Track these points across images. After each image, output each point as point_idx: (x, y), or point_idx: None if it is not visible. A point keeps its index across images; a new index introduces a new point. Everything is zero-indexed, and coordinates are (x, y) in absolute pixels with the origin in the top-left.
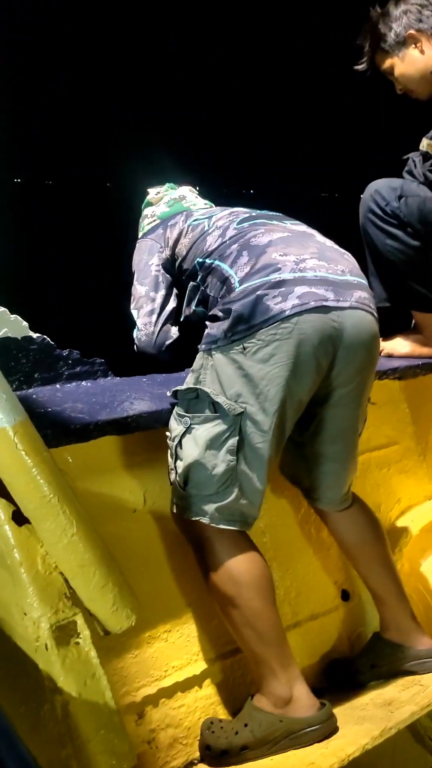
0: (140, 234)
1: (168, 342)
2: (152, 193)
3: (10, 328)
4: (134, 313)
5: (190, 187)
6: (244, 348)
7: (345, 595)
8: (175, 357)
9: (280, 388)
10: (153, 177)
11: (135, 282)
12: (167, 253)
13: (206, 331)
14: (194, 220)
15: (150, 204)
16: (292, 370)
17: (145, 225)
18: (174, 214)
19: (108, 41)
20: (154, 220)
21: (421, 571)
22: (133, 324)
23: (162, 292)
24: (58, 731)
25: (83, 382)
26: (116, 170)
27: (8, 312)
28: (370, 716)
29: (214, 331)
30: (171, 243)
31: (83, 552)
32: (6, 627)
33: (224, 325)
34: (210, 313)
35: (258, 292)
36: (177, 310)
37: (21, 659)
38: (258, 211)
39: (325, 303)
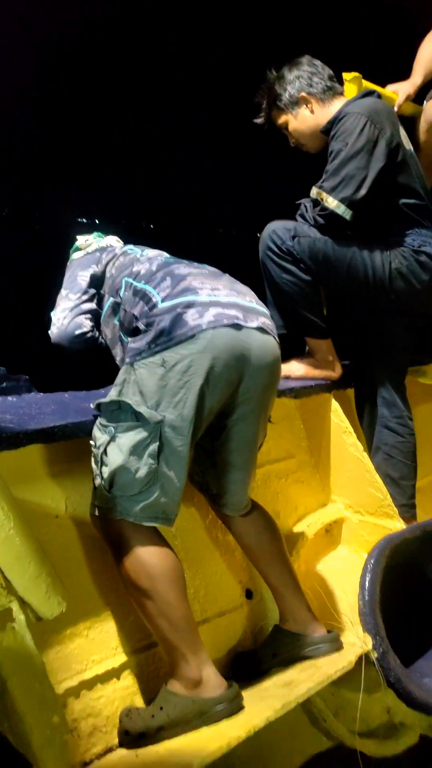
0: None
1: (78, 332)
2: (81, 240)
3: None
4: (52, 313)
5: (117, 237)
6: (164, 361)
7: (248, 594)
8: (87, 348)
9: (196, 397)
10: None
11: (61, 290)
12: (98, 269)
13: (129, 345)
14: (129, 249)
15: (78, 249)
16: (206, 380)
17: None
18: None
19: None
20: None
21: (316, 571)
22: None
23: (80, 294)
24: None
25: (9, 397)
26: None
27: None
28: (272, 695)
29: (137, 345)
30: (104, 262)
31: (19, 546)
32: None
33: (147, 337)
34: (133, 327)
35: (178, 310)
36: (95, 312)
37: None
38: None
39: (236, 321)
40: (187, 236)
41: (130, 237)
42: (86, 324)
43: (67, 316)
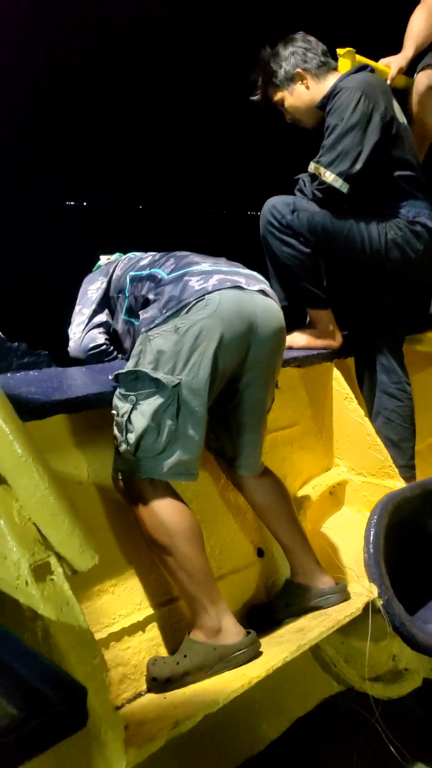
0: None
1: (93, 344)
2: (104, 259)
3: None
4: (69, 329)
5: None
6: (177, 327)
7: (260, 552)
8: (101, 361)
9: (210, 359)
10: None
11: (75, 306)
12: (104, 279)
13: (141, 317)
14: (132, 254)
15: (100, 267)
16: (219, 343)
17: None
18: None
19: None
20: None
21: (322, 530)
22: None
23: (92, 308)
24: (40, 651)
25: (31, 371)
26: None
27: None
28: (287, 640)
29: (149, 314)
30: (110, 271)
31: (53, 504)
32: None
33: (158, 304)
34: (143, 301)
35: (185, 278)
36: (107, 324)
37: (0, 600)
38: None
39: (239, 284)
40: (180, 218)
41: (123, 218)
42: (99, 338)
43: (80, 331)
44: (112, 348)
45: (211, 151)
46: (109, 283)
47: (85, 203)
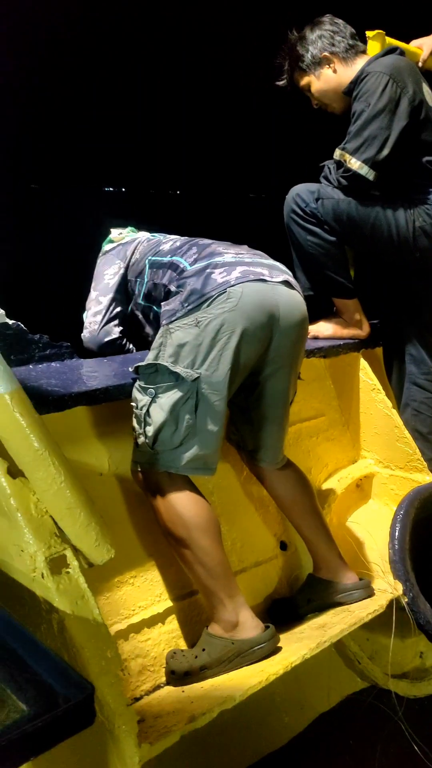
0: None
1: (108, 339)
2: (114, 233)
3: None
4: (84, 315)
5: (149, 234)
6: (198, 321)
7: (283, 546)
8: (116, 353)
9: (231, 353)
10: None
11: (91, 290)
12: (122, 264)
13: (163, 309)
14: (150, 236)
15: (111, 242)
16: (241, 337)
17: None
18: None
19: None
20: None
21: (347, 524)
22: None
23: (110, 296)
24: (56, 644)
25: (53, 363)
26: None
27: None
28: (308, 636)
29: (170, 306)
30: (127, 255)
31: (70, 497)
32: (3, 566)
33: (180, 297)
34: (165, 292)
35: (207, 270)
36: (123, 315)
37: (17, 591)
38: None
39: (262, 277)
40: (215, 202)
41: (155, 205)
42: (115, 331)
43: (96, 322)
44: (125, 341)
45: (236, 135)
46: (126, 268)
47: (123, 189)
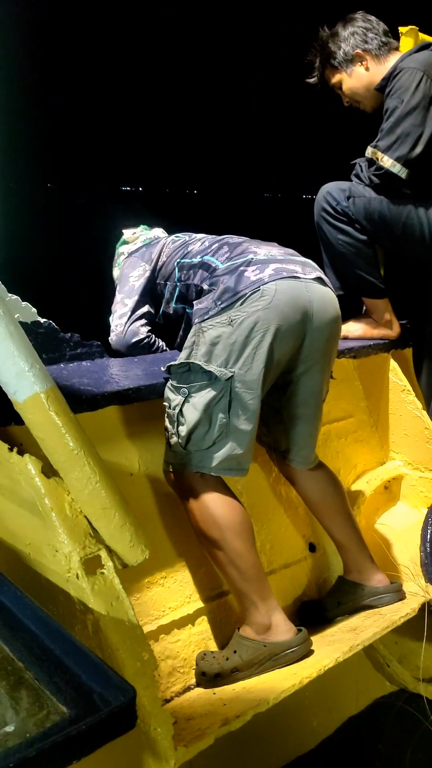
0: (116, 268)
1: (135, 339)
2: (128, 233)
3: (21, 314)
4: (110, 318)
5: (162, 229)
6: (231, 320)
7: (312, 547)
8: (145, 353)
9: (264, 351)
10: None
11: (116, 293)
12: (147, 267)
13: (195, 308)
14: (175, 236)
15: (126, 243)
16: (275, 336)
17: (120, 261)
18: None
19: None
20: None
21: (376, 526)
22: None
23: (135, 298)
24: (90, 644)
25: (83, 362)
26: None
27: (20, 299)
28: (339, 639)
29: (203, 305)
30: (153, 257)
31: (105, 497)
32: (36, 566)
33: (213, 295)
34: (197, 291)
35: (240, 268)
36: (150, 316)
37: (51, 591)
38: None
39: (296, 274)
40: (232, 201)
41: (170, 204)
42: (142, 331)
43: (122, 324)
44: (154, 339)
45: (266, 133)
46: (153, 270)
47: (140, 188)
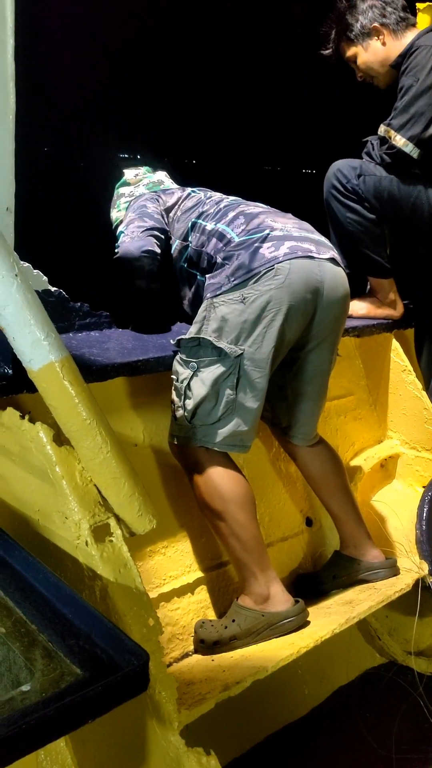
0: (116, 210)
1: (147, 248)
2: (129, 174)
3: (33, 282)
4: (122, 228)
5: (165, 173)
6: (244, 297)
7: (309, 522)
8: (149, 272)
9: (275, 331)
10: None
11: (128, 216)
12: (162, 210)
13: (208, 282)
14: (191, 191)
15: (127, 184)
16: (286, 315)
17: (121, 203)
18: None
19: None
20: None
21: (372, 503)
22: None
23: (154, 223)
24: (98, 610)
25: (92, 332)
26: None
27: (32, 267)
28: (335, 611)
29: (216, 280)
30: (168, 205)
31: (115, 467)
32: (45, 532)
33: (227, 270)
34: (211, 263)
35: (255, 244)
36: (164, 244)
37: (59, 558)
38: None
39: (310, 254)
40: (231, 173)
41: (173, 173)
42: (156, 248)
43: (139, 231)
44: (158, 267)
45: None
46: (166, 216)
47: (138, 156)
